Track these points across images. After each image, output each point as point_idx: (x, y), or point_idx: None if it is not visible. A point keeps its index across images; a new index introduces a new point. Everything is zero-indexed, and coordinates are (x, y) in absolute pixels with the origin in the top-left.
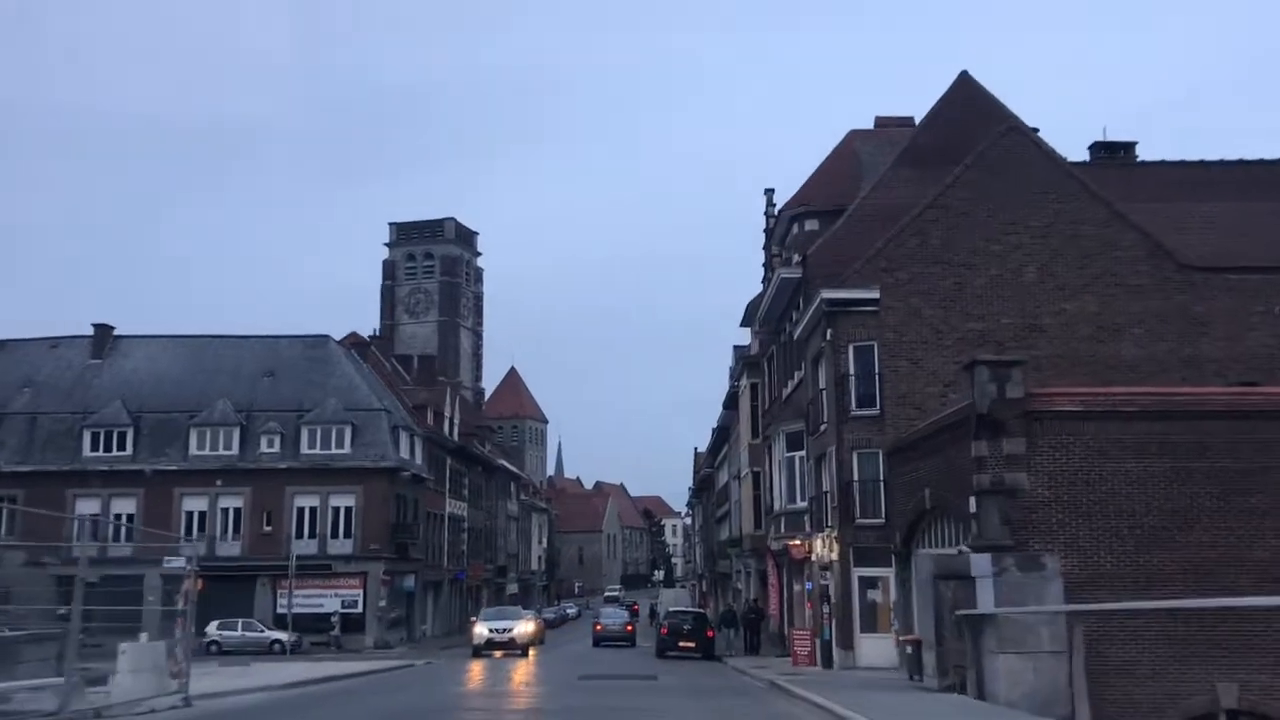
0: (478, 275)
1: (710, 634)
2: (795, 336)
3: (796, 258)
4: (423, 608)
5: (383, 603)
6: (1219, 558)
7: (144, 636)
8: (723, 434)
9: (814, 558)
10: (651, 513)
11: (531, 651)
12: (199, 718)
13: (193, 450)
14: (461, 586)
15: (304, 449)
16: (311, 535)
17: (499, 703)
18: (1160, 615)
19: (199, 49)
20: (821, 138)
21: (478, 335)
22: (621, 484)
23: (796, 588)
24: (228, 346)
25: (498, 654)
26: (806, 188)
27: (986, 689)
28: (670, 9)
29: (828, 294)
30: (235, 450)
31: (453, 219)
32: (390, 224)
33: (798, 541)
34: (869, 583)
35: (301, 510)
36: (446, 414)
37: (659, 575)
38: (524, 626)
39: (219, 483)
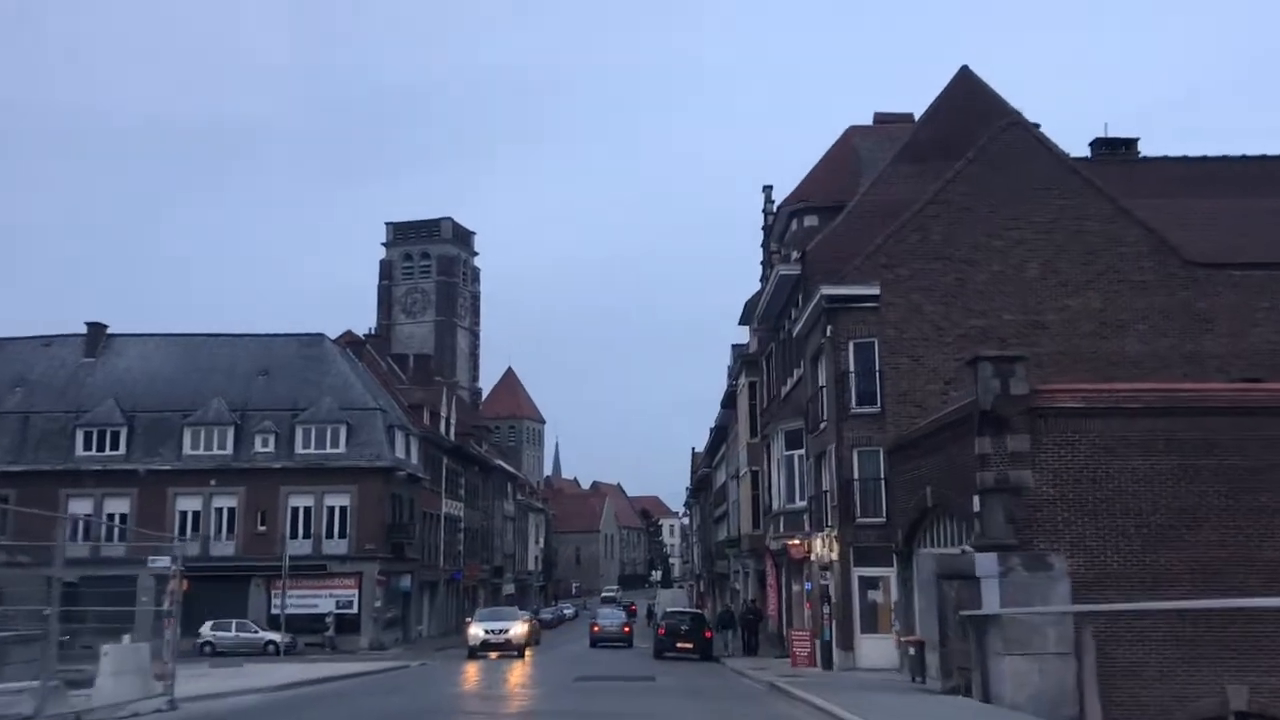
0: (475, 275)
1: (708, 635)
2: (794, 334)
3: (795, 254)
4: (418, 608)
5: (378, 603)
6: (1228, 557)
7: (127, 638)
8: (720, 433)
9: (813, 557)
10: (649, 513)
11: (528, 652)
12: None
13: (186, 450)
14: (458, 587)
15: (298, 448)
16: (306, 535)
17: (493, 705)
18: (1168, 616)
19: (199, 49)
20: (821, 137)
21: (475, 335)
22: (619, 484)
23: (795, 588)
24: (222, 345)
25: (493, 655)
26: (805, 184)
27: (991, 691)
28: (670, 9)
29: (827, 290)
30: (229, 450)
31: (450, 219)
32: (387, 223)
33: (797, 541)
34: (869, 583)
35: (296, 510)
36: (443, 413)
37: (656, 576)
38: (520, 627)
39: (213, 482)
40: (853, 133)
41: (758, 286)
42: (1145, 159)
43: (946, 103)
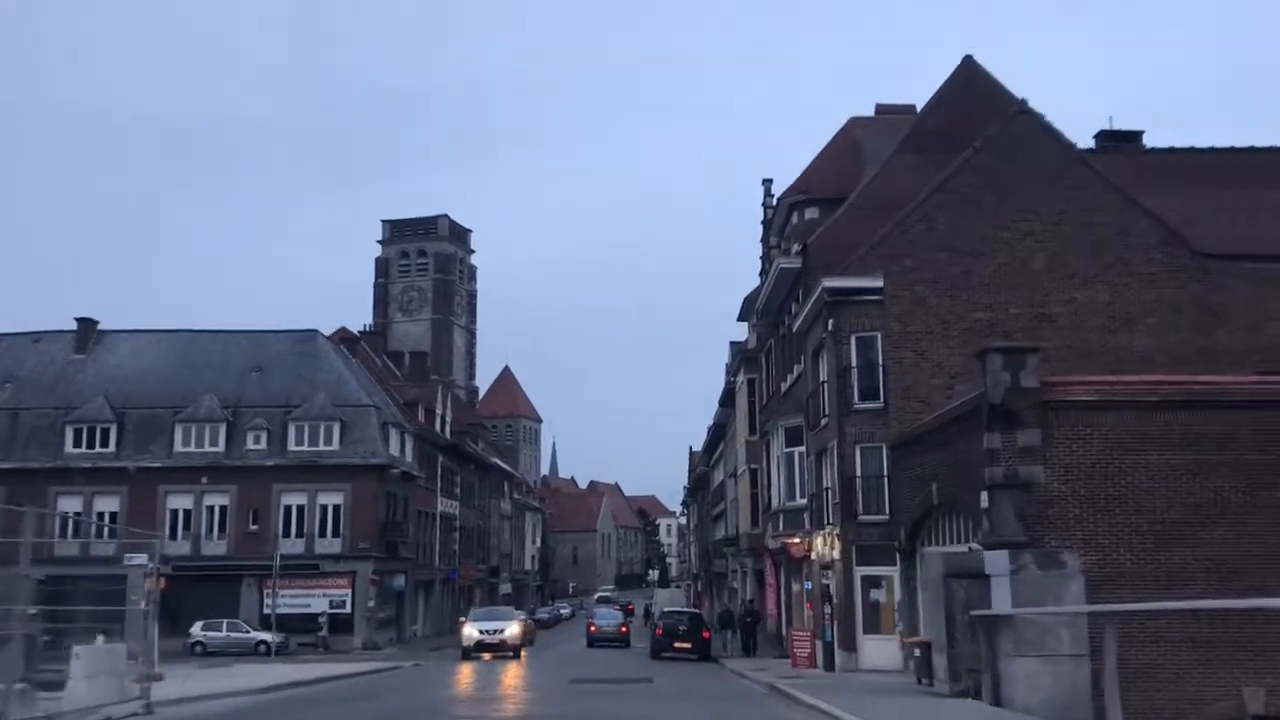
0: (471, 273)
1: (706, 635)
2: (795, 329)
3: (796, 247)
4: (413, 608)
5: (371, 603)
6: (1244, 555)
7: (101, 638)
8: (718, 432)
9: (814, 556)
10: (646, 512)
11: (523, 653)
12: None
13: (177, 447)
14: (453, 586)
15: (291, 446)
16: (299, 534)
17: (485, 709)
18: (1183, 616)
19: (198, 49)
20: (822, 135)
21: (471, 334)
22: (616, 484)
23: (795, 587)
24: (214, 341)
25: (487, 656)
26: (806, 175)
27: (1002, 694)
28: (670, 9)
29: (829, 283)
30: (221, 447)
31: (446, 216)
32: (383, 221)
33: (797, 540)
34: (872, 582)
35: (289, 508)
36: (438, 411)
37: (654, 575)
38: (515, 628)
39: (204, 480)
40: (854, 124)
41: (757, 282)
42: (1151, 150)
43: (950, 93)
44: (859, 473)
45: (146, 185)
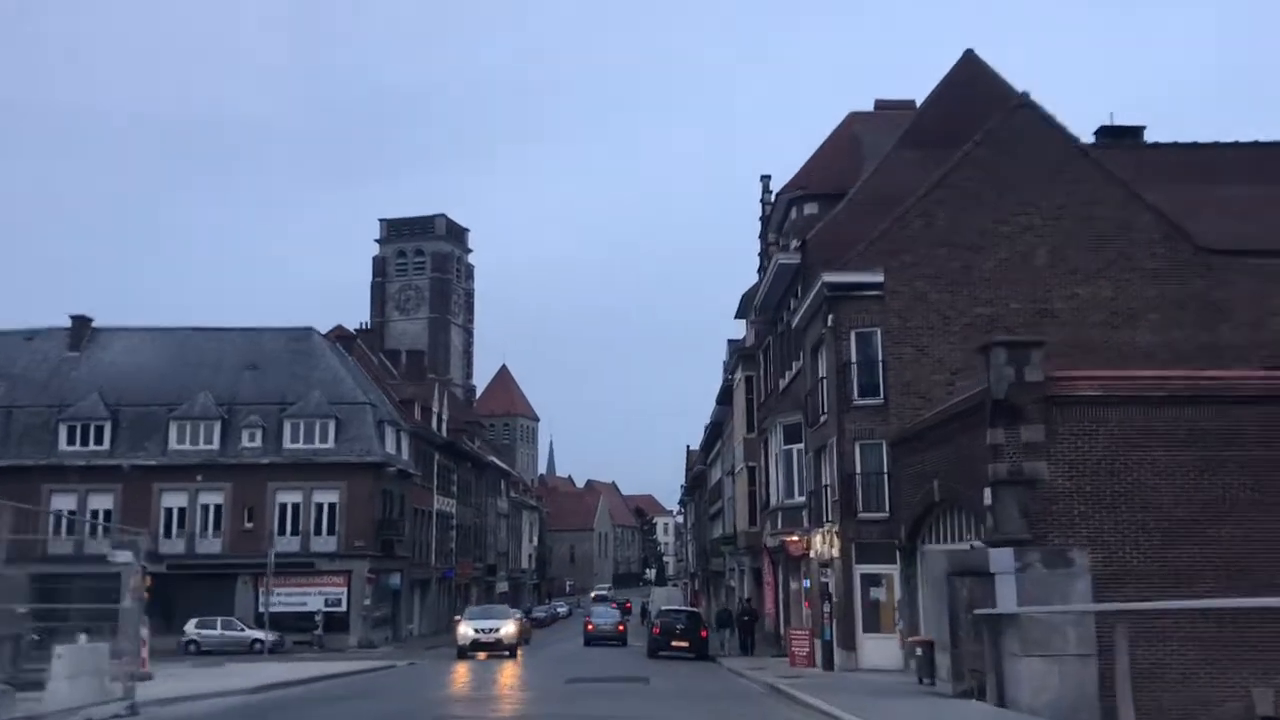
0: (469, 272)
1: (704, 634)
2: (793, 325)
3: (795, 243)
4: (409, 606)
5: (367, 601)
6: (1253, 553)
7: (83, 637)
8: (716, 430)
9: (813, 554)
10: (643, 511)
11: (519, 652)
12: None
13: (172, 444)
14: (450, 585)
15: (286, 443)
16: (294, 532)
17: (479, 709)
18: (1190, 615)
19: (199, 49)
20: (821, 134)
21: (469, 332)
22: (613, 482)
23: (794, 586)
24: (209, 339)
25: (482, 655)
26: (805, 171)
27: (1007, 695)
28: (670, 9)
29: (829, 278)
30: (216, 445)
31: (443, 215)
32: (380, 220)
33: (795, 538)
34: (872, 580)
35: (284, 506)
36: (435, 409)
37: (650, 574)
38: (510, 626)
39: (199, 478)
40: (854, 119)
41: (755, 279)
42: (1153, 145)
43: (950, 87)
44: (858, 470)
45: (145, 184)
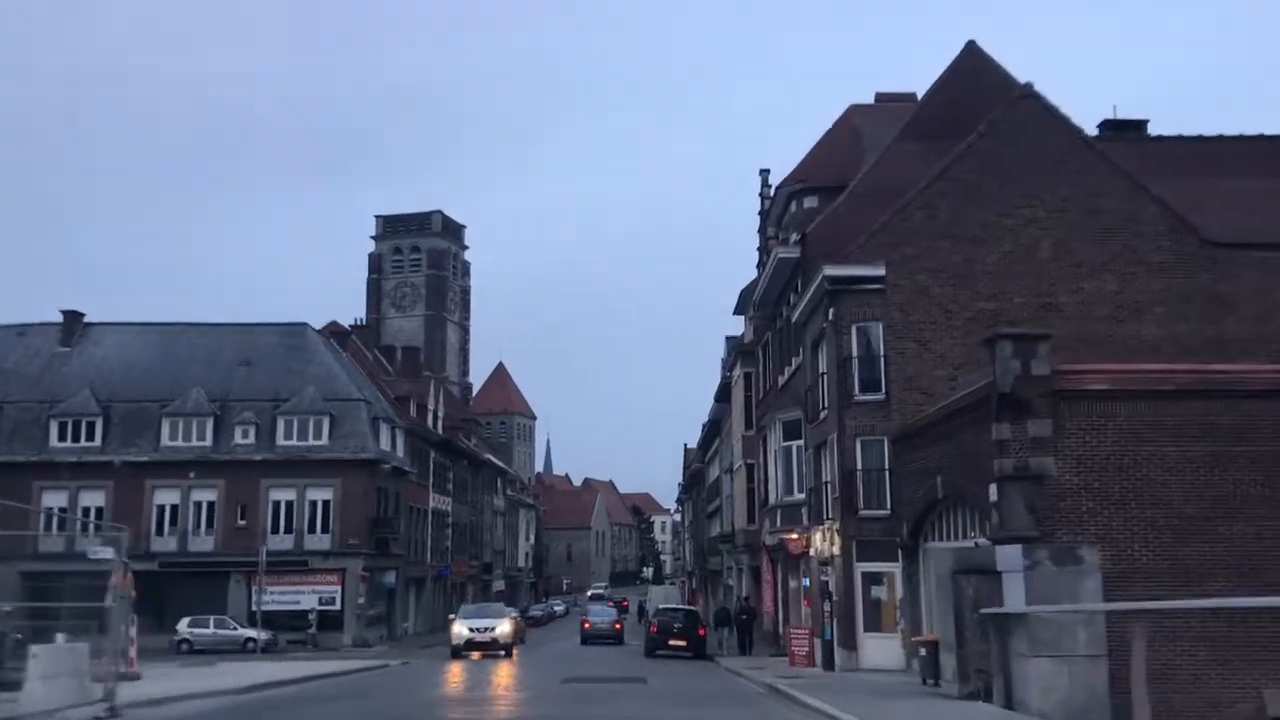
0: (465, 269)
1: (702, 633)
2: (793, 320)
3: (795, 236)
4: (404, 605)
5: (361, 600)
6: (1265, 551)
7: (61, 637)
8: (714, 428)
9: (812, 552)
10: (640, 509)
11: (515, 651)
12: None
13: (164, 441)
14: (445, 583)
15: (280, 440)
16: (288, 530)
17: (472, 711)
18: (1201, 614)
19: (195, 44)
20: (821, 131)
21: (465, 330)
22: (610, 481)
23: (793, 584)
24: (202, 334)
25: (476, 655)
26: (805, 164)
27: (1015, 696)
28: (670, 8)
29: (830, 271)
30: (209, 441)
31: (440, 212)
32: (377, 217)
33: (795, 535)
34: (873, 578)
35: (277, 504)
36: (430, 406)
37: (648, 572)
38: (506, 625)
39: (192, 475)
40: (854, 112)
41: (754, 275)
42: (1158, 138)
43: (952, 79)
44: (859, 466)
45: (141, 182)
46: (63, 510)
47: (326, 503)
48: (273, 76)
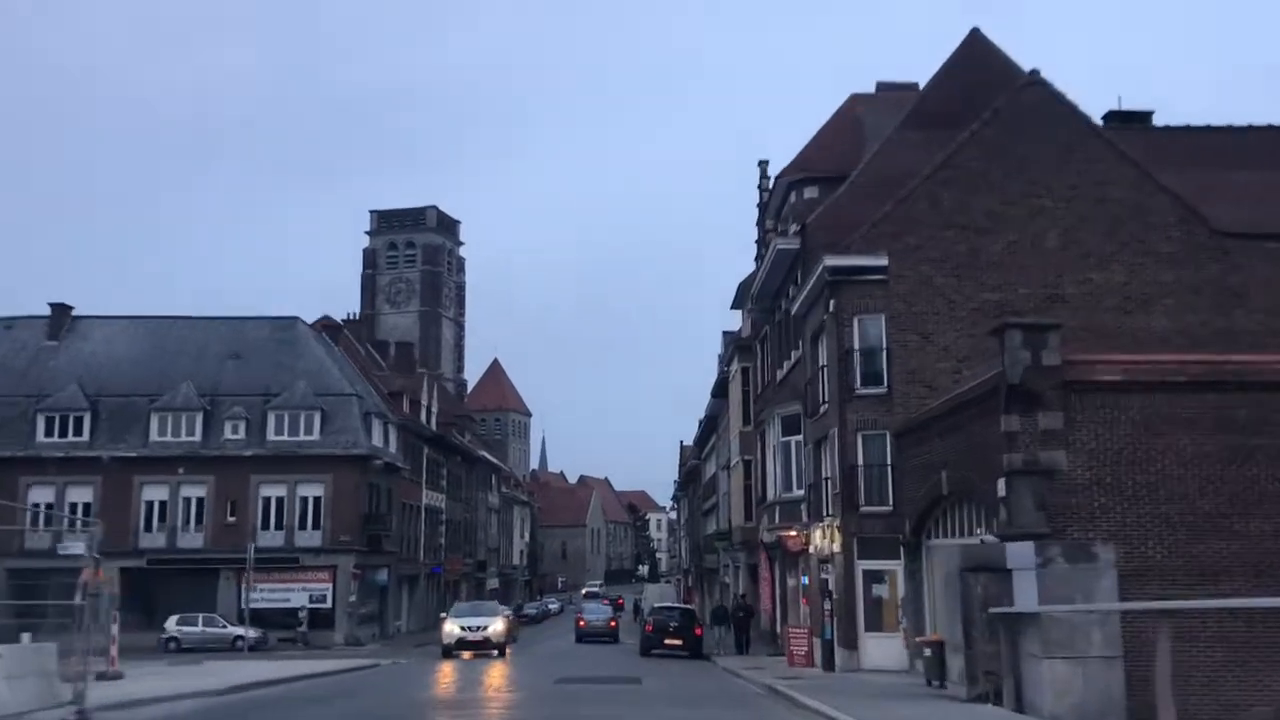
0: (460, 265)
1: (698, 631)
2: (793, 312)
3: (795, 227)
4: (396, 603)
5: (353, 597)
6: None
7: (26, 637)
8: (711, 424)
9: (812, 550)
10: (636, 507)
11: (508, 650)
12: None
13: (153, 436)
14: (438, 581)
15: (270, 435)
16: (278, 526)
17: (459, 714)
18: (1217, 614)
19: (188, 42)
20: (821, 120)
21: (460, 326)
22: (606, 478)
23: (791, 582)
24: (191, 328)
25: (467, 655)
26: (805, 153)
27: (1026, 699)
28: (670, 7)
29: (831, 261)
30: (198, 436)
31: (434, 207)
32: (371, 212)
33: (794, 533)
34: (874, 576)
35: (268, 500)
36: (424, 402)
37: (643, 570)
38: (499, 624)
39: (181, 470)
40: (855, 101)
41: (752, 266)
42: (1165, 129)
43: (956, 67)
44: (860, 461)
45: (135, 178)
46: (49, 506)
47: (317, 499)
48: (268, 71)
